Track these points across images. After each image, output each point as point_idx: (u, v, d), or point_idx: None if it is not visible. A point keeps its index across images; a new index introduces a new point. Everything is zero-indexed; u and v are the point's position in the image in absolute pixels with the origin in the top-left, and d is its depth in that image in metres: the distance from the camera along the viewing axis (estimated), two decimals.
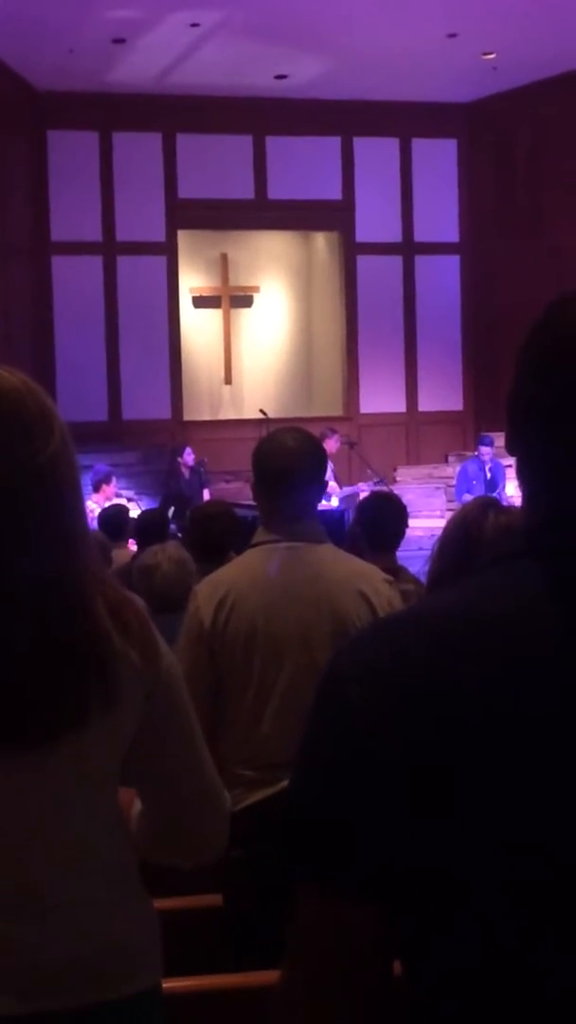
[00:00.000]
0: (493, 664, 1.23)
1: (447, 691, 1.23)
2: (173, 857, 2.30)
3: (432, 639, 1.27)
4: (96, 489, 12.73)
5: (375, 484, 13.78)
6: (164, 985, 2.46)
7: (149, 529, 8.33)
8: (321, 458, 3.89)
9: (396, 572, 5.10)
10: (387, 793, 1.23)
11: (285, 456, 3.77)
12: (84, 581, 2.03)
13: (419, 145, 17.77)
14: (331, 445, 14.44)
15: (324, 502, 13.24)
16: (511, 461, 1.38)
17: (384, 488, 13.13)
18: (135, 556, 7.02)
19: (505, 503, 3.17)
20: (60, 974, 2.03)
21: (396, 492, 11.50)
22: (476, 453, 15.08)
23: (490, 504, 3.06)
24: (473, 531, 2.99)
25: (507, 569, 1.31)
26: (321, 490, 3.91)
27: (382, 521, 5.73)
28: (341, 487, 14.23)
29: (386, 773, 1.23)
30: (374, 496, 6.65)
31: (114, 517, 9.78)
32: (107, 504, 11.61)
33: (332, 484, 14.20)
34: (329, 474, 14.11)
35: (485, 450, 14.35)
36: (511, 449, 1.36)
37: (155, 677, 2.09)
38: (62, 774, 2.03)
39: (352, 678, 1.28)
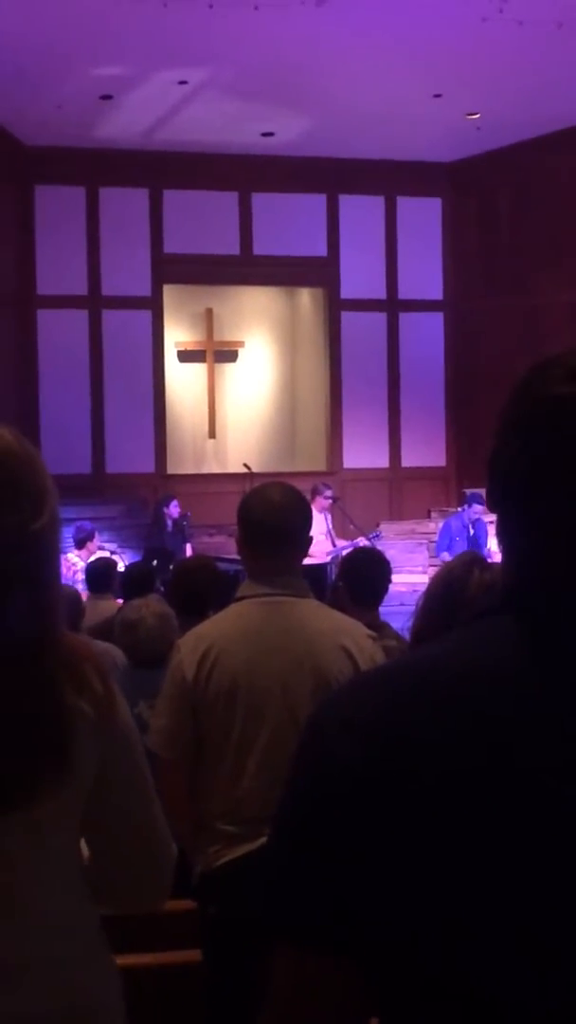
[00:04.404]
0: (470, 717, 1.24)
1: (426, 744, 1.24)
2: (117, 905, 2.30)
3: (411, 693, 1.28)
4: (80, 546, 12.74)
5: (372, 538, 13.75)
6: None
7: (136, 582, 8.31)
8: (307, 513, 3.89)
9: (379, 628, 5.09)
10: (366, 846, 1.24)
11: (271, 511, 3.76)
12: (54, 653, 2.05)
13: (404, 203, 17.90)
14: (322, 503, 14.40)
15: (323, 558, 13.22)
16: (494, 518, 1.40)
17: (375, 542, 13.12)
18: (120, 609, 7.00)
19: (489, 559, 3.17)
20: None
21: (379, 547, 11.50)
22: (460, 509, 15.05)
23: (475, 560, 3.06)
24: (456, 587, 2.98)
25: (486, 625, 1.33)
26: (306, 545, 3.90)
27: (366, 577, 5.72)
28: (335, 544, 14.12)
29: (365, 826, 1.24)
30: (358, 551, 6.64)
31: (101, 570, 9.76)
32: (93, 557, 11.60)
33: (325, 542, 14.13)
34: (325, 530, 14.14)
35: (478, 508, 14.18)
36: (491, 507, 1.38)
37: (109, 731, 2.11)
38: (14, 834, 2.03)
39: (332, 732, 1.29)
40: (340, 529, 15.03)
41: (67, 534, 13.49)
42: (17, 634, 2.01)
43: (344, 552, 13.02)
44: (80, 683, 2.07)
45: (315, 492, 14.38)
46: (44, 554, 2.05)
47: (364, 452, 17.82)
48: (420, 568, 15.29)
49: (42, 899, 2.07)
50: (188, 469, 17.95)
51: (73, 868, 2.14)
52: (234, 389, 18.71)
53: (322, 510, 14.37)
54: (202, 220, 17.11)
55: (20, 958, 2.04)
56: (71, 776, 2.03)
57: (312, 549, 4.15)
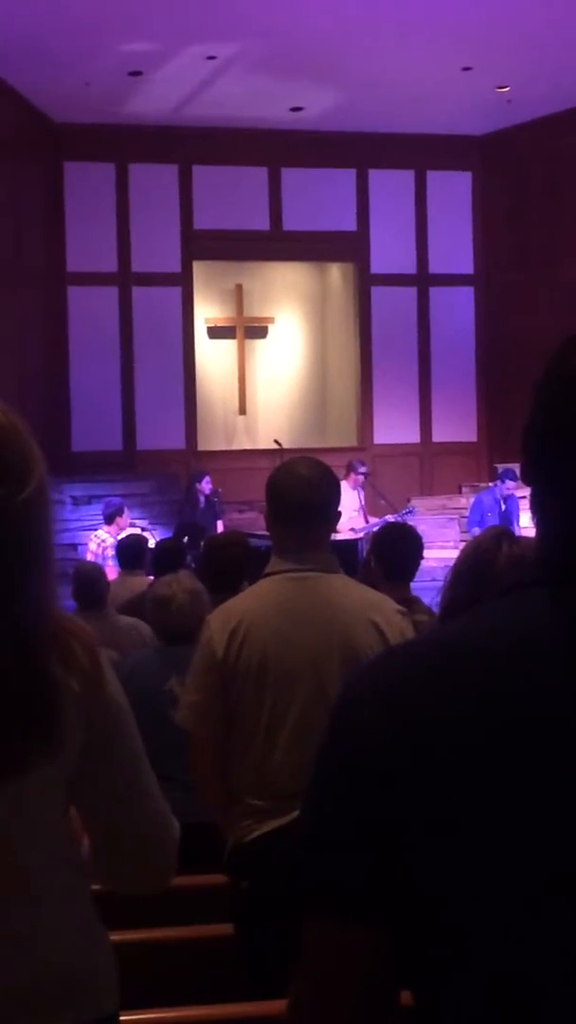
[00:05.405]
0: (501, 690, 1.25)
1: (456, 716, 1.25)
2: (119, 884, 2.30)
3: (443, 666, 1.28)
4: (109, 521, 12.72)
5: (404, 515, 13.73)
6: (175, 1015, 2.46)
7: (166, 558, 8.31)
8: (334, 488, 3.89)
9: (410, 603, 5.09)
10: (395, 815, 1.25)
11: (299, 486, 3.77)
12: (43, 628, 2.05)
13: (433, 177, 17.84)
14: (356, 479, 14.42)
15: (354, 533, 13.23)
16: (526, 493, 1.40)
17: (408, 518, 13.10)
18: (151, 586, 7.01)
19: (518, 535, 3.16)
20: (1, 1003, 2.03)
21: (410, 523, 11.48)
22: (491, 484, 15.02)
23: (503, 535, 3.06)
24: (486, 562, 2.98)
25: (518, 598, 1.33)
26: (334, 520, 3.90)
27: (398, 552, 5.72)
28: (368, 521, 14.12)
29: (394, 796, 1.25)
30: (390, 527, 6.64)
31: (133, 546, 9.77)
32: (123, 534, 11.60)
33: (359, 518, 14.14)
34: (359, 506, 14.14)
35: (511, 484, 14.20)
36: (526, 479, 1.38)
37: (97, 706, 2.10)
38: (0, 806, 2.04)
39: (363, 704, 1.30)
40: (371, 505, 15.02)
41: (96, 510, 13.53)
42: (5, 607, 2.01)
43: (376, 528, 13.06)
44: (67, 658, 2.06)
45: (350, 468, 14.41)
46: (33, 526, 2.03)
47: (395, 427, 17.80)
48: (451, 543, 15.25)
49: (28, 870, 2.07)
50: (219, 445, 17.96)
51: (59, 841, 2.13)
52: (264, 365, 18.70)
53: (356, 486, 14.39)
54: (231, 196, 17.08)
55: (6, 928, 2.05)
56: (58, 750, 2.03)
57: (346, 525, 4.14)
